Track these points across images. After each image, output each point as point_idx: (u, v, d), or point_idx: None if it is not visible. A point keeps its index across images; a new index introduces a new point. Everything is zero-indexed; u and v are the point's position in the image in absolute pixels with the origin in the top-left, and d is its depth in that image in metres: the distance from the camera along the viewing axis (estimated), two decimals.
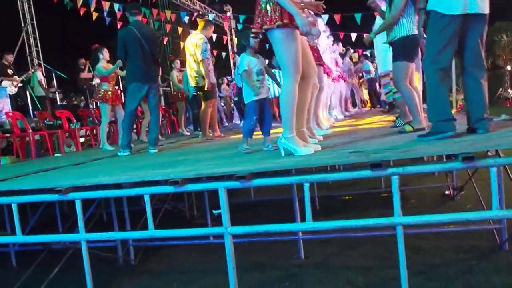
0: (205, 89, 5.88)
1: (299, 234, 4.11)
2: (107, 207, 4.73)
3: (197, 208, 6.25)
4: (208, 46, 5.85)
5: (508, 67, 25.72)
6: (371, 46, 10.92)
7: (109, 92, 6.33)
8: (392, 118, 6.32)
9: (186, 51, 6.12)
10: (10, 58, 9.48)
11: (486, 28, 3.02)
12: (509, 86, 24.53)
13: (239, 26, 12.29)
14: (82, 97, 10.65)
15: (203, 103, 5.96)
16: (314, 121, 4.40)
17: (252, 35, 3.26)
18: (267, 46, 3.34)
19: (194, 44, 5.84)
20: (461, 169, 2.28)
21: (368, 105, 12.40)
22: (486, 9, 2.89)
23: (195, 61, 5.86)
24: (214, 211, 2.63)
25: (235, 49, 13.67)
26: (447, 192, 5.90)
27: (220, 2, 12.49)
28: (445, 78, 2.96)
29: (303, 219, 3.83)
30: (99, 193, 2.86)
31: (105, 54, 6.39)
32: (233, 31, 13.54)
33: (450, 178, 5.96)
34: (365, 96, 12.64)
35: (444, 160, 3.26)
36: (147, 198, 2.76)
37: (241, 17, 11.62)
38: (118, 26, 10.62)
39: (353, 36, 12.11)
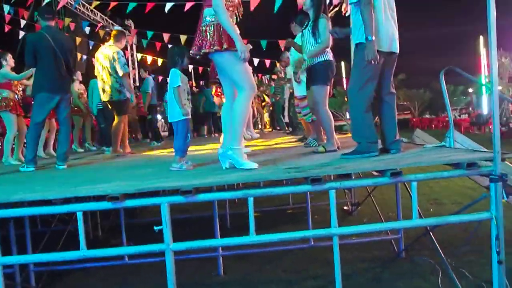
0: (133, 104, 5.71)
1: (219, 251, 4.16)
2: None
3: (101, 228, 5.89)
4: (124, 60, 5.64)
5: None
6: (272, 71, 11.63)
7: (10, 101, 5.70)
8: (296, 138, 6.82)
9: (96, 63, 5.80)
10: None
11: None
12: None
13: (144, 42, 12.05)
14: None
15: (116, 118, 5.66)
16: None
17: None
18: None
19: (109, 56, 5.57)
20: (389, 183, 2.61)
21: (268, 127, 13.02)
22: (398, 49, 3.45)
23: (109, 74, 5.58)
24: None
25: (136, 65, 13.32)
26: (345, 207, 6.49)
27: (122, 16, 12.12)
28: (370, 105, 3.36)
29: (222, 235, 3.93)
30: (22, 211, 2.58)
31: (9, 60, 5.74)
32: (134, 46, 13.20)
33: (348, 195, 6.56)
34: (266, 118, 13.26)
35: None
36: (80, 215, 2.58)
37: (149, 33, 11.35)
38: (6, 29, 9.57)
39: (256, 61, 12.74)
